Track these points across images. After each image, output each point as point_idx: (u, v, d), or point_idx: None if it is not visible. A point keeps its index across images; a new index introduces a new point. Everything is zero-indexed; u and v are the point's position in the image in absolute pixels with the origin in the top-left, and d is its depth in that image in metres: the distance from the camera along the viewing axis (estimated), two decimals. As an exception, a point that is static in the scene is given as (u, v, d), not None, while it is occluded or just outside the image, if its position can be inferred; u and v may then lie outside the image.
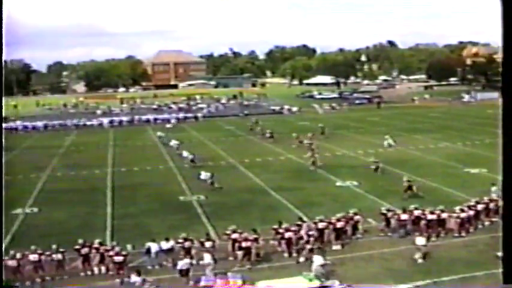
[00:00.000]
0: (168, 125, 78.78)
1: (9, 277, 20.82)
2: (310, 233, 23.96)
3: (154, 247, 23.09)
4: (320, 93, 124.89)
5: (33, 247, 22.59)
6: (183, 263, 21.20)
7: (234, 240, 23.29)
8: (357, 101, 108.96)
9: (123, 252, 22.48)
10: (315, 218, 25.50)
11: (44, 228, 29.17)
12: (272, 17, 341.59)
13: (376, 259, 23.17)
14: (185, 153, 46.99)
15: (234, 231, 23.82)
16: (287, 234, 23.59)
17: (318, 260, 20.91)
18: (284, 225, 24.25)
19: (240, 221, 26.55)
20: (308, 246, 23.20)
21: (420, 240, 23.00)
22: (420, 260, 22.29)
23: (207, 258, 21.76)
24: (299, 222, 25.23)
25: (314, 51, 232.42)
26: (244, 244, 22.87)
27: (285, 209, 31.06)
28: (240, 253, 22.82)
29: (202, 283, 17.93)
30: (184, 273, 21.03)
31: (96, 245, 22.93)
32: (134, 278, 19.97)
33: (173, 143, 54.47)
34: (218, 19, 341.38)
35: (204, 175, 37.55)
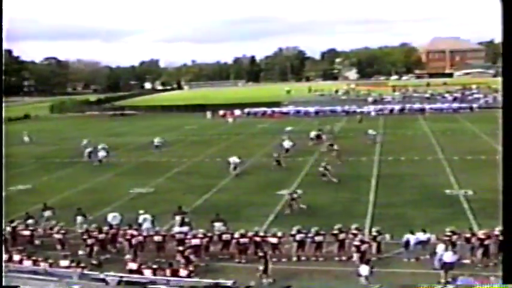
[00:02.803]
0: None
1: (267, 251, 21.66)
2: None
3: (412, 239, 22.46)
4: None
5: (296, 227, 23.35)
6: (450, 256, 20.17)
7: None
8: None
9: (366, 240, 22.28)
10: None
11: (306, 210, 30.06)
12: None
13: None
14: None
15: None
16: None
17: None
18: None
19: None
20: None
21: None
22: None
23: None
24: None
25: None
26: (486, 242, 21.26)
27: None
28: (479, 251, 21.37)
29: (458, 283, 16.95)
30: (448, 267, 19.91)
31: (353, 231, 22.96)
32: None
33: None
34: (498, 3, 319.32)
35: None
